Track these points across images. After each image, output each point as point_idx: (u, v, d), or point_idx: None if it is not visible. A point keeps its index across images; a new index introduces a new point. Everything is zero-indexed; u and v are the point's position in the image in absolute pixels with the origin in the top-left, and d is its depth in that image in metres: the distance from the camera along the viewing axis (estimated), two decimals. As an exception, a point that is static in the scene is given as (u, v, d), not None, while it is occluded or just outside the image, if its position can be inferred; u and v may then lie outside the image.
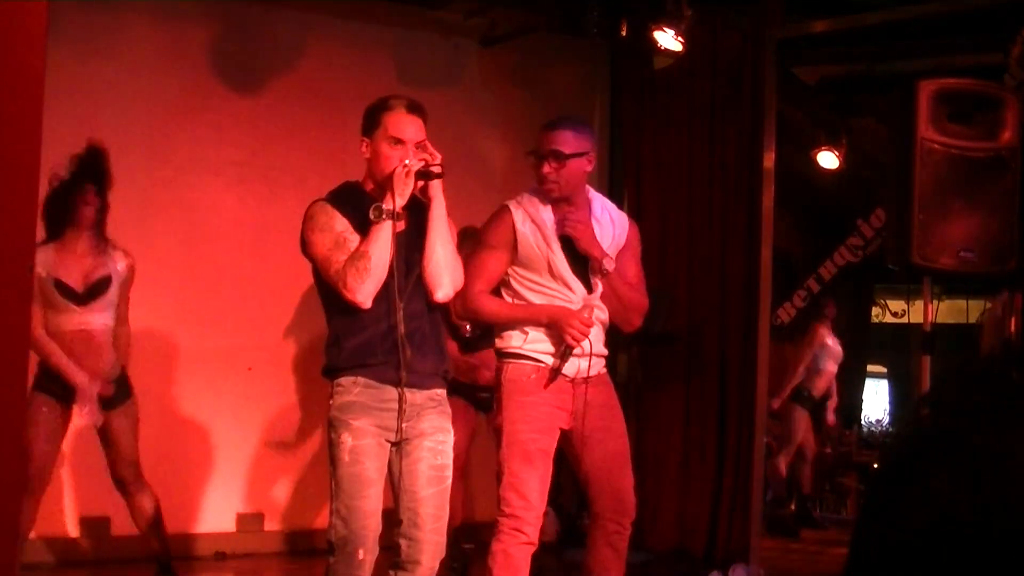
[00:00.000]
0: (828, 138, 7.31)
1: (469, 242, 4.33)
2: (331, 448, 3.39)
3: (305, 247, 3.47)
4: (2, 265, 2.07)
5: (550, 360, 3.82)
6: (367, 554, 3.34)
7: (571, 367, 3.83)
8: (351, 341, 3.40)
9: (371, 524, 3.34)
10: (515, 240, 3.84)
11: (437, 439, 3.46)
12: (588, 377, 3.86)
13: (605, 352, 3.99)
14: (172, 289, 5.86)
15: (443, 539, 3.46)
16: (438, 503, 3.44)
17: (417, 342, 3.41)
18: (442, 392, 3.52)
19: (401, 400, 3.37)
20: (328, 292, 3.45)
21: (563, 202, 3.86)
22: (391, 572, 3.47)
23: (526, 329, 3.82)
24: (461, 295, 3.69)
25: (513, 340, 3.84)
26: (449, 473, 3.48)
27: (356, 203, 3.46)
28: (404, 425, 3.39)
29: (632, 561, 4.14)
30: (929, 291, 4.66)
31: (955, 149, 4.01)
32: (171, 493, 5.80)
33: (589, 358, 3.85)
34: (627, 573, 4.04)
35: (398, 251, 3.40)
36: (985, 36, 5.93)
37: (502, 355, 3.89)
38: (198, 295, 5.91)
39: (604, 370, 4.00)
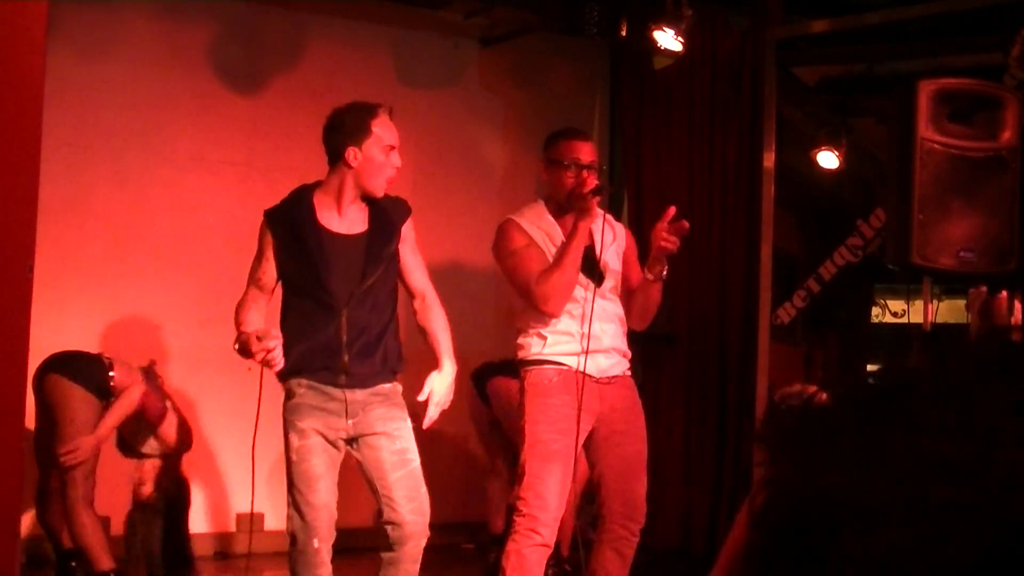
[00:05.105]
0: (828, 138, 7.30)
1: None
2: (285, 448, 3.62)
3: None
4: (2, 265, 2.07)
5: (571, 361, 3.82)
6: (322, 543, 3.55)
7: (593, 366, 3.83)
8: (298, 347, 3.59)
9: (323, 515, 3.54)
10: (531, 240, 3.87)
11: (390, 427, 3.61)
12: (613, 378, 3.87)
13: (627, 351, 3.99)
14: (171, 289, 5.86)
15: (424, 519, 3.59)
16: (410, 484, 3.59)
17: (357, 350, 3.57)
18: (388, 386, 3.65)
19: (343, 399, 3.58)
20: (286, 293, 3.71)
21: (571, 211, 3.86)
22: (382, 554, 3.63)
23: (544, 334, 3.83)
24: (529, 295, 3.76)
25: (532, 347, 3.86)
26: (412, 456, 3.62)
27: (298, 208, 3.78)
28: (350, 422, 3.57)
29: (632, 561, 4.12)
30: (929, 291, 4.65)
31: (955, 149, 4.00)
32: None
33: (609, 353, 3.87)
34: (626, 573, 4.02)
35: (354, 256, 3.58)
36: (985, 36, 5.92)
37: (523, 364, 3.89)
38: (197, 295, 5.90)
39: (628, 372, 4.00)
